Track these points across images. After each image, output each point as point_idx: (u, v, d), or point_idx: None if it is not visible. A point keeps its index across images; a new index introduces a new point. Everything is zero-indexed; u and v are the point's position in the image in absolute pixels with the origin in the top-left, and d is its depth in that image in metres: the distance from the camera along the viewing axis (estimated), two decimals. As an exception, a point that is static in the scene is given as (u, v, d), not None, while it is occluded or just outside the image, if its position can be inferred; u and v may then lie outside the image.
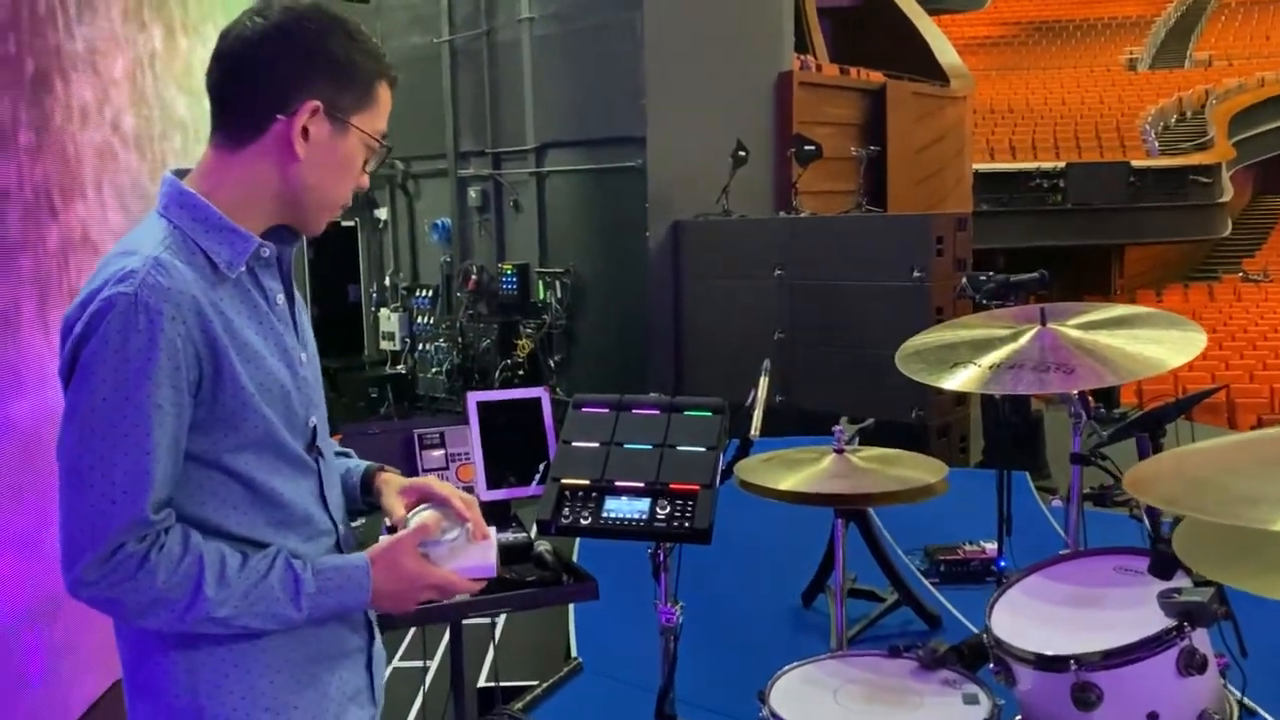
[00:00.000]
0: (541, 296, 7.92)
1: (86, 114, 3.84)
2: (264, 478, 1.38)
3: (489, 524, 1.52)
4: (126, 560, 1.27)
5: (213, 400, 1.32)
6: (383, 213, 9.30)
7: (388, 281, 9.29)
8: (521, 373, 7.79)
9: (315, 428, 1.46)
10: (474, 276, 8.36)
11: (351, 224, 9.40)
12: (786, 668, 2.01)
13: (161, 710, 1.35)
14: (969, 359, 2.10)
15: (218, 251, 1.36)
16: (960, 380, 2.10)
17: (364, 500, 1.60)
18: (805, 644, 3.66)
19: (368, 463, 1.65)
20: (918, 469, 2.31)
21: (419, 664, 3.51)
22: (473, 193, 8.47)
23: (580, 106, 7.68)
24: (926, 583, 4.09)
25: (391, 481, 1.59)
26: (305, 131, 1.36)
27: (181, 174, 1.41)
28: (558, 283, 7.80)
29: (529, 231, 8.12)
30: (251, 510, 1.38)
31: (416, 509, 1.52)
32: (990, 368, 2.06)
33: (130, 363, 1.27)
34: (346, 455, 1.66)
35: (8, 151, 3.25)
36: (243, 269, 1.38)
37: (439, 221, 8.73)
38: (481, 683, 3.61)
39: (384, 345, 9.10)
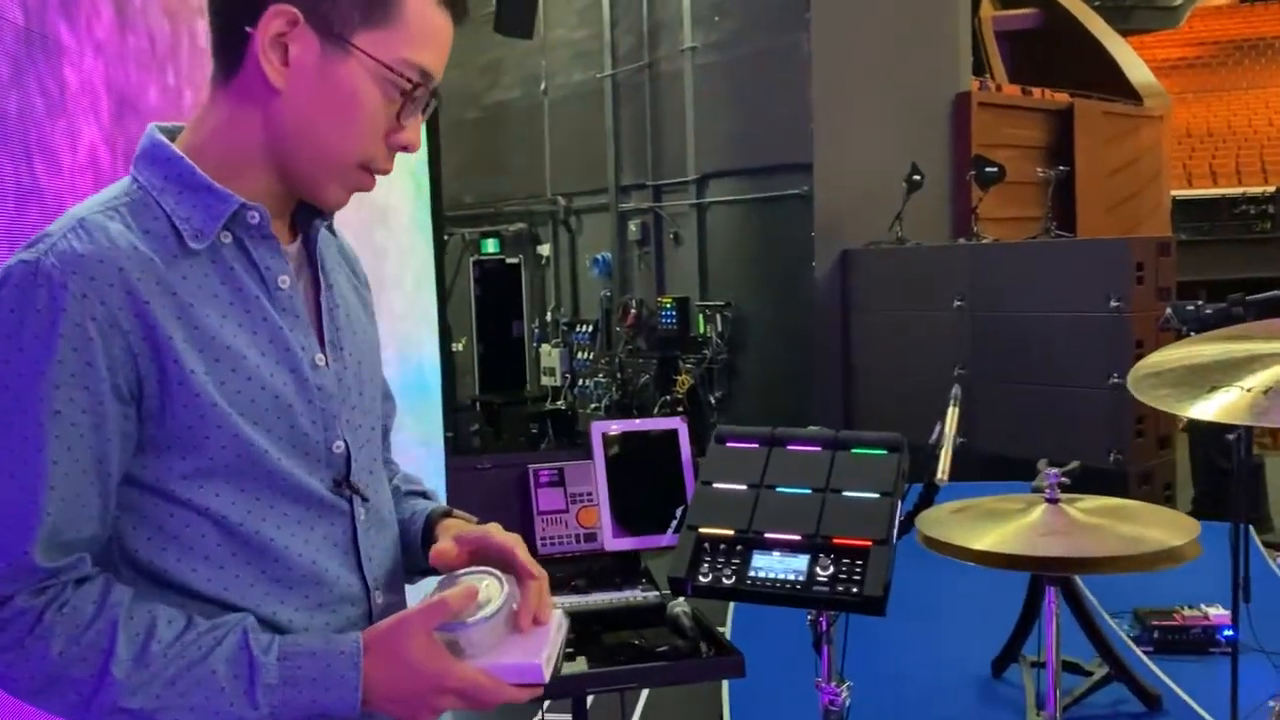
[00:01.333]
0: (701, 330, 7.66)
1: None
2: (244, 519, 1.02)
3: (613, 579, 1.14)
4: (14, 619, 0.94)
5: (160, 411, 0.98)
6: (545, 249, 9.30)
7: (549, 317, 9.24)
8: (681, 409, 7.52)
9: (348, 455, 1.09)
10: (633, 311, 8.19)
11: (516, 261, 9.42)
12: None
13: None
14: (1228, 381, 1.63)
15: (186, 216, 1.02)
16: (1220, 408, 1.63)
17: (425, 554, 1.17)
18: (996, 724, 3.18)
19: (434, 504, 1.26)
20: (1158, 526, 1.83)
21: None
22: (633, 226, 8.34)
23: (743, 134, 7.44)
24: (1140, 653, 3.55)
25: (453, 528, 1.18)
26: (285, 51, 1.01)
27: (174, 133, 1.07)
28: (718, 316, 7.53)
29: (689, 264, 7.92)
30: (229, 562, 1.02)
31: (456, 574, 1.08)
32: (1265, 392, 1.57)
33: (23, 353, 0.94)
34: (424, 495, 1.28)
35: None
36: (225, 240, 1.03)
37: (599, 256, 8.63)
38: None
39: (545, 381, 9.04)
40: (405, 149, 1.08)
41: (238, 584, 1.02)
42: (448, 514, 1.22)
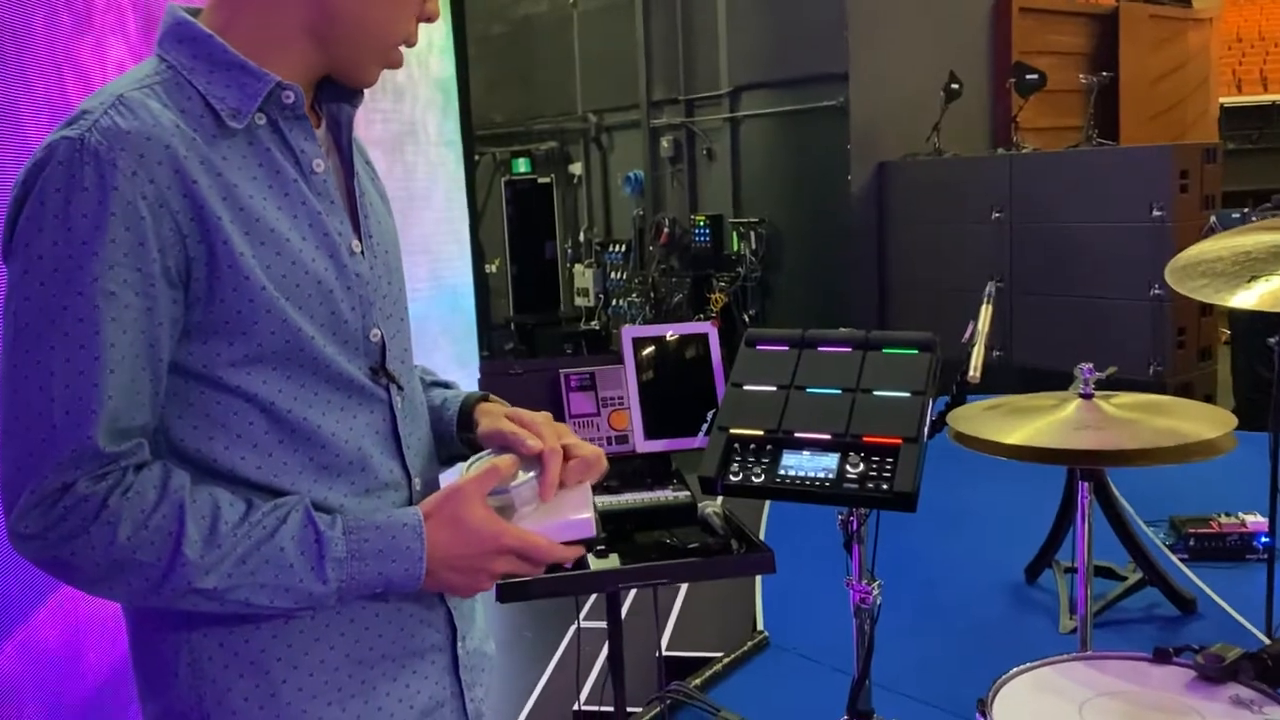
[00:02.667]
0: (735, 248, 7.59)
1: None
2: (292, 405, 1.00)
3: (644, 480, 1.16)
4: (77, 505, 0.91)
5: (209, 295, 0.96)
6: (576, 168, 9.20)
7: (582, 237, 9.19)
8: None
9: (383, 344, 1.08)
10: (666, 229, 8.12)
11: (547, 180, 9.34)
12: (1015, 670, 1.58)
13: (168, 716, 1.02)
14: (1269, 270, 1.59)
15: (221, 96, 0.98)
16: (1259, 297, 1.59)
17: (461, 439, 1.20)
18: (1030, 628, 3.21)
19: (468, 391, 1.25)
20: (1192, 419, 1.80)
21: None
22: (665, 143, 8.22)
23: (777, 45, 7.26)
24: (1175, 559, 3.55)
25: (494, 411, 1.19)
26: None
27: (193, 14, 1.03)
28: (752, 233, 7.45)
29: (722, 181, 7.80)
30: (277, 449, 1.00)
31: (478, 456, 1.11)
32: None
33: (74, 233, 0.91)
34: (446, 386, 1.28)
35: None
36: (259, 121, 1.00)
37: (631, 174, 8.53)
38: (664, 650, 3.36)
39: (579, 301, 9.03)
40: (429, 19, 1.08)
41: (285, 470, 1.01)
42: (484, 398, 1.23)
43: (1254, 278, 1.61)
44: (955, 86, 6.71)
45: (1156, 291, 5.49)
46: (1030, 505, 3.58)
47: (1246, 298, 1.62)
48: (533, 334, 8.96)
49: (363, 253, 1.08)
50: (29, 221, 0.92)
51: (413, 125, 4.74)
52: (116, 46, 3.19)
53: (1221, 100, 12.72)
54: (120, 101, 0.95)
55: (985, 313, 1.64)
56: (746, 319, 7.49)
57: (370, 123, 4.12)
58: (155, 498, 0.94)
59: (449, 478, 1.14)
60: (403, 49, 1.08)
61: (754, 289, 7.51)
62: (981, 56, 7.55)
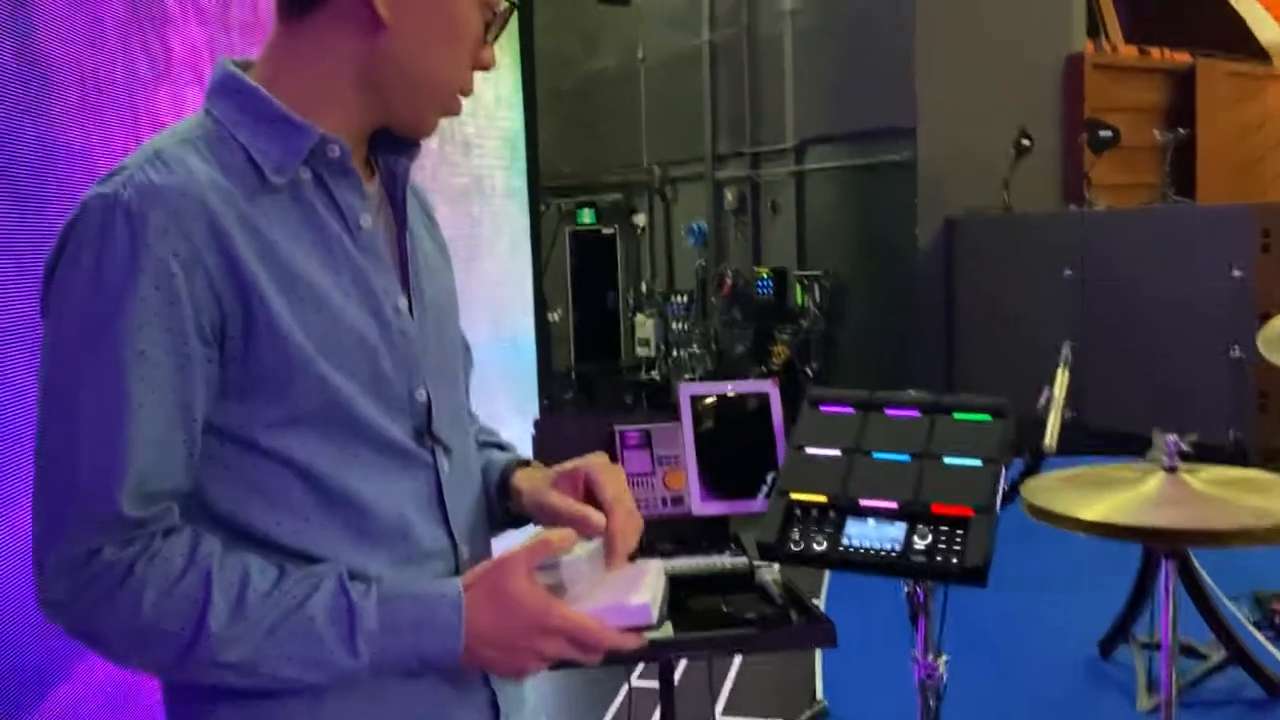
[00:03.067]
0: (799, 301, 7.53)
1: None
2: (330, 469, 0.97)
3: (700, 544, 1.09)
4: (103, 572, 0.89)
5: (245, 353, 0.93)
6: (640, 219, 9.26)
7: (644, 287, 9.22)
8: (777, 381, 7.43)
9: (429, 404, 1.04)
10: (729, 281, 8.10)
11: (611, 231, 9.41)
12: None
13: None
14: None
15: (265, 150, 0.96)
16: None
17: (503, 508, 1.15)
18: (1105, 708, 3.06)
19: (510, 455, 1.19)
20: (1284, 498, 1.71)
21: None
22: (729, 195, 8.24)
23: (843, 99, 7.26)
24: (1260, 637, 3.38)
25: (535, 479, 1.12)
26: None
27: (245, 67, 1.02)
28: (816, 286, 7.39)
29: (786, 233, 7.78)
30: (314, 514, 0.96)
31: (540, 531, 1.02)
32: None
33: (103, 292, 0.89)
34: (500, 448, 1.21)
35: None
36: (304, 176, 0.98)
37: (695, 225, 8.56)
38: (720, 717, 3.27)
39: (640, 351, 9.03)
40: (484, 68, 1.05)
41: (323, 537, 0.97)
42: (524, 464, 1.17)
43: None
44: (1026, 142, 6.64)
45: (1237, 354, 5.31)
46: (1105, 572, 3.45)
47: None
48: (593, 383, 8.97)
49: (410, 310, 1.04)
50: (62, 278, 0.92)
51: (479, 177, 4.78)
52: (194, 96, 3.26)
53: (1303, 157, 12.43)
54: (157, 156, 0.93)
55: (1061, 378, 1.57)
56: (809, 372, 7.41)
57: (438, 175, 4.17)
58: (183, 565, 0.91)
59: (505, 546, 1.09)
60: (462, 98, 1.06)
61: (817, 342, 7.43)
62: (1053, 111, 7.46)
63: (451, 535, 1.05)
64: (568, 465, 1.10)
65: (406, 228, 1.07)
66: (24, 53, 2.35)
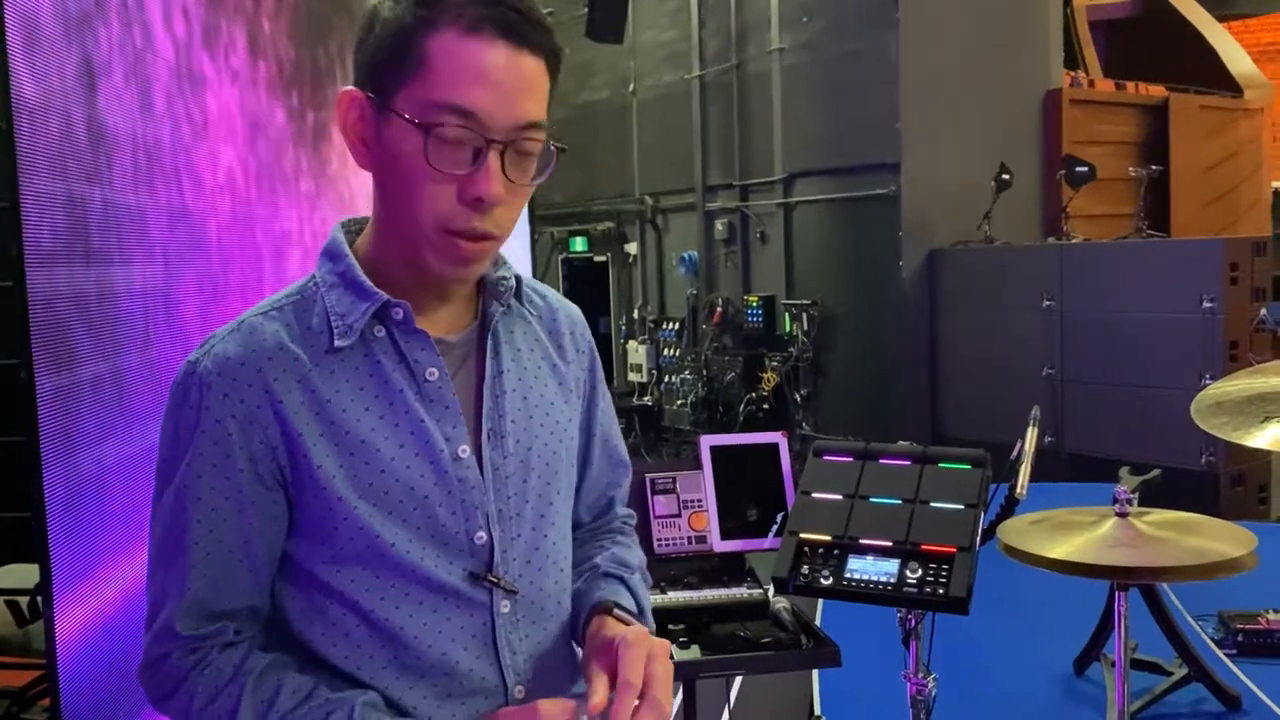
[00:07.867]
0: (788, 329, 7.76)
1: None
2: (376, 605, 1.07)
3: (721, 577, 1.25)
4: (170, 673, 1.08)
5: (298, 500, 1.07)
6: (632, 247, 9.47)
7: (636, 314, 9.42)
8: (766, 406, 7.64)
9: (491, 547, 1.10)
10: (719, 309, 8.32)
11: (603, 259, 9.62)
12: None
13: None
14: (1286, 411, 1.76)
15: (341, 313, 1.08)
16: (1272, 438, 1.76)
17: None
18: (1079, 719, 3.29)
19: (600, 596, 1.20)
20: (1218, 539, 1.97)
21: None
22: (719, 225, 8.45)
23: (830, 134, 7.50)
24: (1221, 655, 3.61)
25: (602, 631, 1.13)
26: (363, 136, 1.04)
27: (359, 227, 1.16)
28: (804, 315, 7.62)
29: (775, 263, 8.00)
30: (365, 642, 1.08)
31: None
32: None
33: (176, 445, 1.07)
34: (619, 580, 1.23)
35: (292, 198, 3.47)
36: (378, 334, 1.09)
37: (686, 255, 8.77)
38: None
39: (632, 377, 9.22)
40: (478, 201, 1.02)
41: (371, 665, 1.08)
42: (608, 610, 1.18)
43: (1267, 418, 1.78)
44: (1006, 177, 6.88)
45: (1207, 381, 5.55)
46: (1077, 599, 3.65)
47: (1262, 439, 1.79)
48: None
49: (480, 454, 1.11)
50: (161, 430, 1.09)
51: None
52: (226, 153, 3.48)
53: (1276, 185, 12.75)
54: (240, 327, 1.08)
55: (1030, 435, 1.81)
56: (798, 398, 7.63)
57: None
58: (228, 677, 1.06)
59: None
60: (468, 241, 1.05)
61: (806, 369, 7.64)
62: (1032, 146, 7.72)
63: (502, 673, 1.11)
64: (610, 632, 1.12)
65: (489, 374, 1.13)
66: (91, 123, 2.58)
